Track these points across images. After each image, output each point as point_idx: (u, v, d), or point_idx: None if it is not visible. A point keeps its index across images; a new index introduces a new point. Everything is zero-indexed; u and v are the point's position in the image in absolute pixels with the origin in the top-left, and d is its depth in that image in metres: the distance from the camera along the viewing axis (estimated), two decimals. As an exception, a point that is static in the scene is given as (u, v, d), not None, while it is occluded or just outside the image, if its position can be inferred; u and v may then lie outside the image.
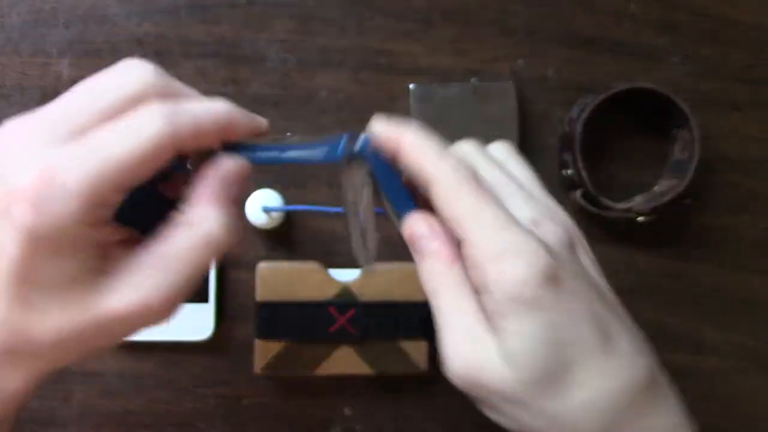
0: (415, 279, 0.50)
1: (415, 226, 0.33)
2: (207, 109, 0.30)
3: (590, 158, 0.50)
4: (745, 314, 0.54)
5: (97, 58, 0.51)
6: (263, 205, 0.50)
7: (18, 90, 0.51)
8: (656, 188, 0.53)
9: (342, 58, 0.52)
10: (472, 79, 0.52)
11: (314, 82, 0.52)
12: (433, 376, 0.52)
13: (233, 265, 0.52)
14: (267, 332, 0.50)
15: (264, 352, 0.49)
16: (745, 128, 0.54)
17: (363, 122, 0.53)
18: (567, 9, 0.53)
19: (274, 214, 0.50)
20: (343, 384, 0.52)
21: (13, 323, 0.28)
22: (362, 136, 0.33)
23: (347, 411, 0.52)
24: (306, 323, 0.49)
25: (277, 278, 0.50)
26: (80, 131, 0.28)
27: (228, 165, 0.31)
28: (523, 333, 0.29)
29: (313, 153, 0.33)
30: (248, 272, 0.50)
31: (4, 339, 0.28)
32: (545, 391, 0.29)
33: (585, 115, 0.50)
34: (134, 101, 0.29)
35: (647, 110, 0.53)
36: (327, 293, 0.50)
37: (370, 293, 0.50)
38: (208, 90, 0.52)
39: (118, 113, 0.28)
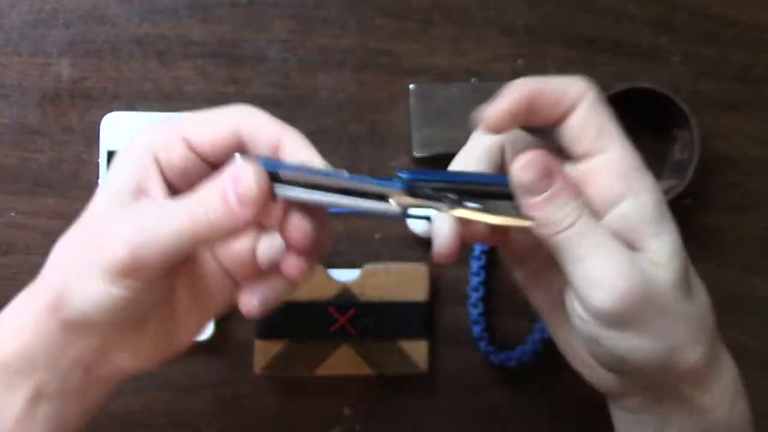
0: (415, 279, 0.50)
1: (534, 167, 0.31)
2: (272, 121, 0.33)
3: (590, 158, 0.50)
4: (745, 314, 0.54)
5: (97, 58, 0.51)
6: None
7: (18, 90, 0.51)
8: (656, 188, 0.53)
9: (342, 58, 0.52)
10: (472, 79, 0.52)
11: (314, 82, 0.52)
12: (433, 376, 0.52)
13: (233, 265, 0.52)
14: (267, 332, 0.50)
15: (264, 352, 0.49)
16: (745, 128, 0.54)
17: (363, 122, 0.53)
18: (567, 9, 0.53)
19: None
20: (343, 384, 0.52)
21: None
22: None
23: (347, 411, 0.52)
24: (306, 323, 0.50)
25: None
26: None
27: (247, 174, 0.31)
28: (665, 245, 0.32)
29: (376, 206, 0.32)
30: (248, 272, 0.50)
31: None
32: (686, 292, 0.32)
33: (585, 115, 0.50)
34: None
35: (647, 110, 0.53)
36: (327, 293, 0.50)
37: (370, 293, 0.50)
38: (208, 90, 0.52)
39: None
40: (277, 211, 0.32)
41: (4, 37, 0.51)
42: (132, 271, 0.29)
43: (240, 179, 0.29)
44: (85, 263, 0.30)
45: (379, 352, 0.50)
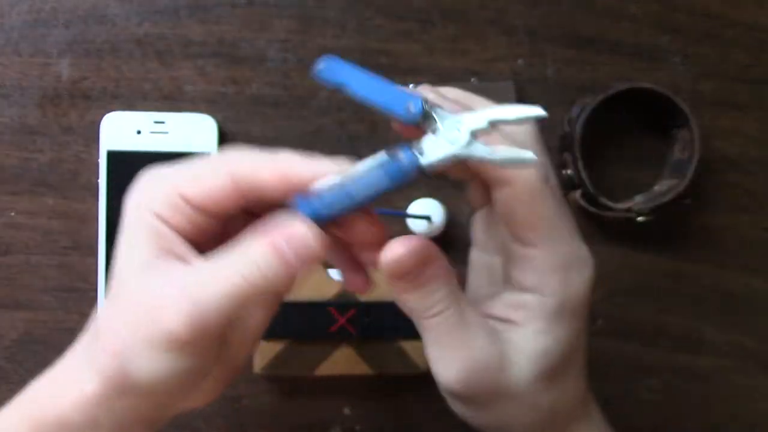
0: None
1: (408, 257, 0.30)
2: (271, 157, 0.31)
3: (590, 158, 0.50)
4: (745, 314, 0.54)
5: (97, 58, 0.51)
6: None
7: (18, 90, 0.51)
8: (656, 188, 0.53)
9: (342, 58, 0.52)
10: (472, 79, 0.52)
11: (314, 82, 0.52)
12: (433, 376, 0.52)
13: (233, 265, 0.52)
14: (267, 332, 0.49)
15: (264, 352, 0.49)
16: (745, 128, 0.54)
17: (363, 122, 0.53)
18: (567, 9, 0.53)
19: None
20: (343, 384, 0.52)
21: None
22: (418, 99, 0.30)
23: (347, 411, 0.52)
24: (306, 323, 0.49)
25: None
26: None
27: (301, 232, 0.30)
28: (547, 342, 0.32)
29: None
30: (248, 272, 0.50)
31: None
32: (548, 384, 0.32)
33: (585, 115, 0.50)
34: None
35: (647, 110, 0.53)
36: (327, 293, 0.50)
37: (370, 293, 0.50)
38: (208, 90, 0.52)
39: None
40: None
41: (4, 37, 0.51)
42: (192, 340, 0.29)
43: (294, 238, 0.29)
44: (143, 339, 0.29)
45: (379, 352, 0.50)
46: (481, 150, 0.29)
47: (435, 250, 0.31)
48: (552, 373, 0.32)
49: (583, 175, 0.50)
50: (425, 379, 0.52)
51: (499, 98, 0.52)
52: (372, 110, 0.54)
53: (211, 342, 0.30)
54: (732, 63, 0.54)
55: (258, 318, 0.34)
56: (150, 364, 0.29)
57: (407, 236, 0.31)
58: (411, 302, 0.31)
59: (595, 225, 0.53)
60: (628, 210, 0.51)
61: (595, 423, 0.35)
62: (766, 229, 0.54)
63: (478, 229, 0.36)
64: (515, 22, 0.53)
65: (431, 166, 0.29)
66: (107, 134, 0.50)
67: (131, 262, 0.31)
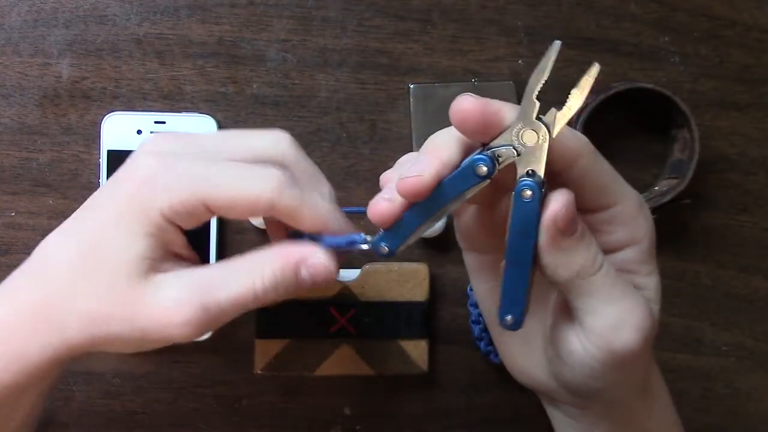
0: (415, 279, 0.50)
1: (572, 209, 0.31)
2: (313, 206, 0.33)
3: (590, 158, 0.50)
4: (745, 314, 0.54)
5: (97, 58, 0.51)
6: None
7: (18, 90, 0.51)
8: (656, 188, 0.53)
9: (342, 58, 0.52)
10: (472, 79, 0.52)
11: (314, 82, 0.52)
12: (433, 376, 0.52)
13: (233, 265, 0.52)
14: (267, 332, 0.50)
15: (264, 352, 0.49)
16: (745, 128, 0.54)
17: (363, 122, 0.53)
18: (567, 9, 0.53)
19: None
20: (343, 384, 0.52)
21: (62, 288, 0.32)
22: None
23: (347, 411, 0.52)
24: (306, 323, 0.49)
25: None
26: (214, 158, 0.32)
27: (323, 261, 0.33)
28: (656, 283, 0.35)
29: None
30: (248, 272, 0.50)
31: (49, 302, 0.31)
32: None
33: (585, 115, 0.50)
34: (264, 159, 0.33)
35: (647, 110, 0.53)
36: (327, 293, 0.50)
37: (370, 293, 0.50)
38: (208, 90, 0.52)
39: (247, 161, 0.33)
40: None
41: (4, 37, 0.51)
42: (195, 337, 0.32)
43: (315, 266, 0.33)
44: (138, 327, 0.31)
45: (379, 352, 0.50)
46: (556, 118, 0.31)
47: (572, 198, 0.31)
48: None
49: (583, 175, 0.50)
50: (425, 379, 0.52)
51: (499, 98, 0.52)
52: (372, 110, 0.55)
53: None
54: (732, 63, 0.54)
55: None
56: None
57: (553, 195, 0.31)
58: (580, 258, 0.31)
59: (595, 225, 0.53)
60: (628, 210, 0.51)
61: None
62: (766, 229, 0.54)
63: (473, 231, 0.36)
64: (515, 22, 0.53)
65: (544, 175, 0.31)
66: (107, 134, 0.50)
67: (128, 256, 0.31)
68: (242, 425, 0.52)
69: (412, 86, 0.52)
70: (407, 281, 0.50)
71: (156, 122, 0.50)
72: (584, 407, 0.36)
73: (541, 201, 0.30)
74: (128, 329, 0.31)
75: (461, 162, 0.31)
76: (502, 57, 0.53)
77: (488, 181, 0.31)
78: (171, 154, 0.32)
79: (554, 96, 0.53)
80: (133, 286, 0.31)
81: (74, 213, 0.34)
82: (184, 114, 0.51)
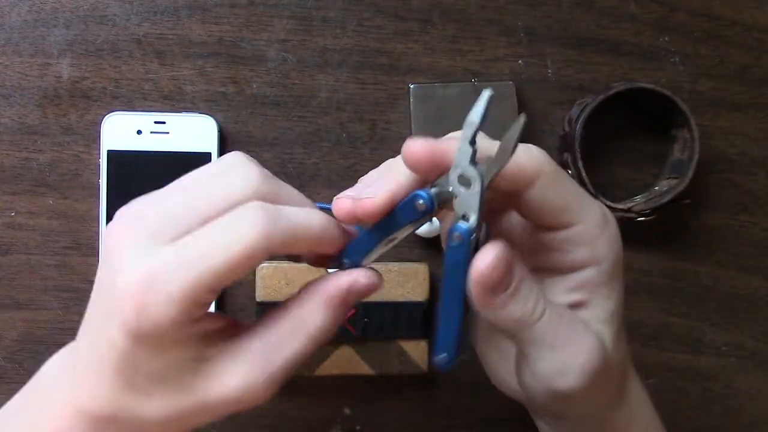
0: (415, 279, 0.50)
1: (500, 265, 0.29)
2: (306, 220, 0.31)
3: (590, 158, 0.50)
4: (745, 314, 0.54)
5: (97, 58, 0.51)
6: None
7: (18, 90, 0.51)
8: (656, 188, 0.53)
9: (342, 58, 0.52)
10: (472, 79, 0.52)
11: (314, 82, 0.52)
12: (433, 376, 0.52)
13: (233, 265, 0.52)
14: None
15: (264, 352, 0.49)
16: (745, 128, 0.54)
17: (363, 122, 0.53)
18: (566, 9, 0.53)
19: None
20: (343, 384, 0.52)
21: (123, 404, 0.30)
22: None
23: (347, 411, 0.52)
24: (306, 323, 0.49)
25: (276, 278, 0.50)
26: (182, 233, 0.29)
27: (362, 280, 0.32)
28: (613, 303, 0.33)
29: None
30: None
31: (114, 416, 0.31)
32: (619, 338, 0.34)
33: (585, 115, 0.50)
34: (237, 204, 0.29)
35: (647, 110, 0.53)
36: (327, 293, 0.50)
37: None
38: (208, 90, 0.52)
39: (221, 214, 0.29)
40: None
41: (4, 37, 0.51)
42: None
43: (360, 291, 0.33)
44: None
45: (379, 352, 0.50)
46: (490, 165, 0.29)
47: (509, 248, 0.30)
48: (621, 323, 0.33)
49: (583, 175, 0.50)
50: (425, 379, 0.52)
51: (499, 98, 0.52)
52: (372, 110, 0.55)
53: None
54: (732, 63, 0.54)
55: None
56: None
57: (484, 248, 0.29)
58: (515, 312, 0.30)
59: (595, 225, 0.53)
60: (628, 210, 0.51)
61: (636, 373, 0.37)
62: (766, 229, 0.54)
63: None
64: (515, 22, 0.53)
65: (477, 221, 0.29)
66: (107, 134, 0.50)
67: (168, 367, 0.30)
68: (242, 425, 0.52)
69: (412, 86, 0.52)
70: (407, 281, 0.50)
71: (156, 122, 0.50)
72: (560, 417, 0.36)
73: (471, 248, 0.29)
74: (208, 418, 0.32)
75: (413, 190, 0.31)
76: (502, 57, 0.53)
77: (428, 218, 0.30)
78: (148, 248, 0.29)
79: (554, 96, 0.53)
80: (195, 385, 0.31)
81: (82, 354, 0.32)
82: (184, 114, 0.51)
